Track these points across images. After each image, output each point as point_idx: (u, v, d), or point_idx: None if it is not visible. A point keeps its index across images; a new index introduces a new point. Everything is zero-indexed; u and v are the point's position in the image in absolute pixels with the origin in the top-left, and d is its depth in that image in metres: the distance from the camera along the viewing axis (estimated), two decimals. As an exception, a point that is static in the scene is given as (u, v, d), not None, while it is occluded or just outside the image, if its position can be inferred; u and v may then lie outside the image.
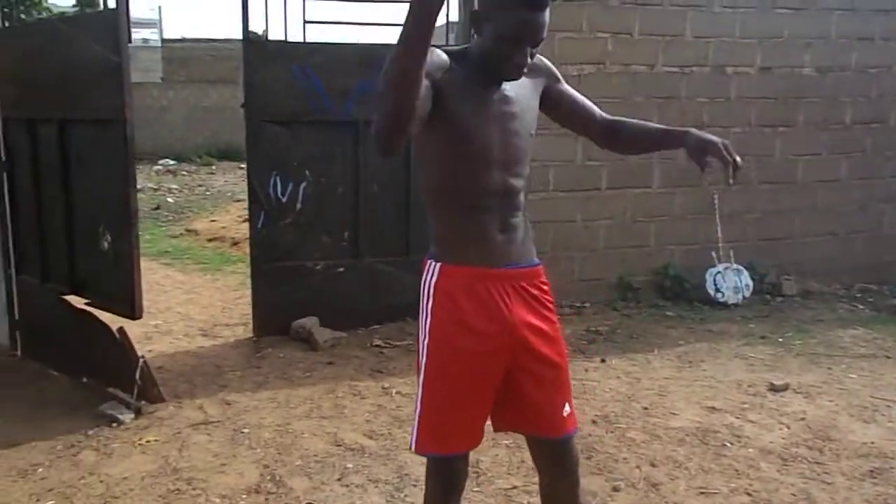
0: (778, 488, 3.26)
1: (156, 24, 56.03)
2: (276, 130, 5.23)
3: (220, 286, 7.14)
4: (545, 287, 2.18)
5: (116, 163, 3.93)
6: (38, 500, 3.16)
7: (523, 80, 2.09)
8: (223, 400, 4.27)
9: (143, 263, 7.90)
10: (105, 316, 4.34)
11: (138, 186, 14.67)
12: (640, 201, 6.28)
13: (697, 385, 4.48)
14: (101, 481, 3.32)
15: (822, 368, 4.78)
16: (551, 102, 2.23)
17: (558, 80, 2.25)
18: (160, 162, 19.98)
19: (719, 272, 6.25)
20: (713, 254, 6.33)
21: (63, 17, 5.06)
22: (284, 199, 5.37)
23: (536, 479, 3.19)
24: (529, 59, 1.99)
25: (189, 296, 6.81)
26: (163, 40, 28.47)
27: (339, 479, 3.35)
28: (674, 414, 4.04)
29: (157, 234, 10.09)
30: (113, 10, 3.78)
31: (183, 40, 26.46)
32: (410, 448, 2.17)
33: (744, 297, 6.24)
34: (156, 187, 15.05)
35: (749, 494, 3.20)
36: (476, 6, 2.01)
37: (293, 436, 3.79)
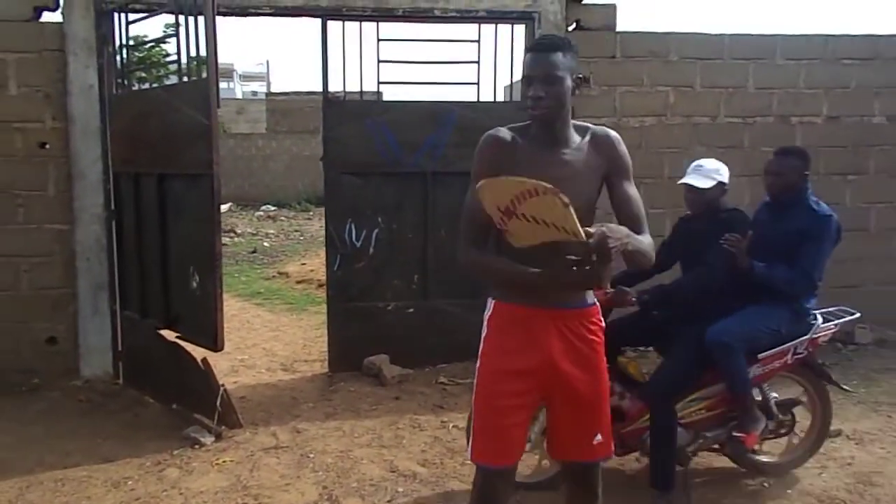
0: (807, 528, 3.38)
1: (264, 77, 58.50)
2: (352, 181, 5.70)
3: (303, 325, 7.63)
4: (593, 326, 2.45)
5: (204, 212, 4.44)
6: (125, 507, 3.61)
7: (586, 147, 2.37)
8: (294, 428, 4.67)
9: (237, 303, 8.60)
10: (195, 350, 4.83)
11: (238, 231, 15.59)
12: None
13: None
14: (181, 494, 3.75)
15: (881, 416, 4.81)
16: (612, 193, 2.42)
17: (626, 174, 2.42)
18: (262, 208, 21.06)
19: (785, 319, 6.28)
20: (779, 300, 6.37)
21: (164, 85, 5.70)
22: (359, 244, 5.81)
23: None
24: (545, 96, 2.26)
25: (275, 333, 7.32)
26: (267, 93, 30.02)
27: (388, 501, 3.67)
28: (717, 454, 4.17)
29: (252, 276, 10.78)
30: (205, 79, 4.33)
31: (285, 93, 27.81)
32: (467, 457, 2.55)
33: (811, 345, 6.23)
34: (254, 232, 15.91)
35: (776, 531, 3.34)
36: None
37: (353, 461, 4.14)
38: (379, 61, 5.63)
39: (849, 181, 6.65)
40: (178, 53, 4.61)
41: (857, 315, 4.04)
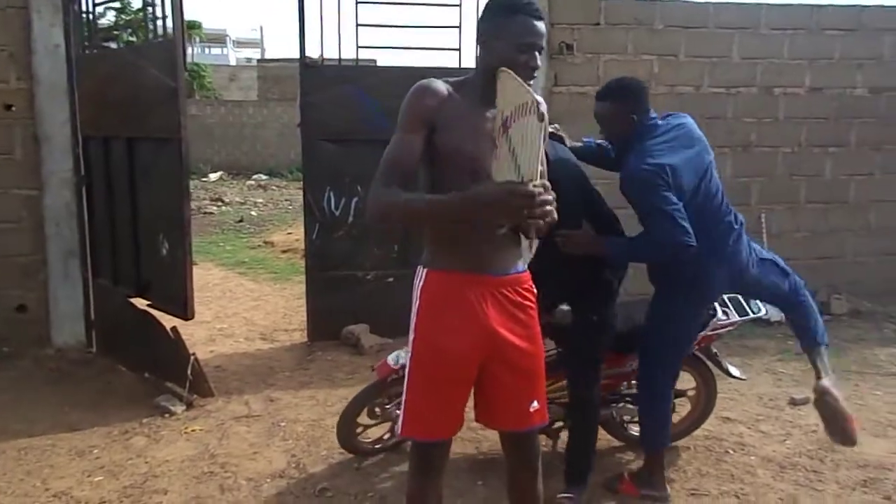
0: (767, 493, 3.40)
1: (258, 43, 57.82)
2: (330, 148, 5.61)
3: (286, 294, 7.57)
4: (528, 293, 2.38)
5: (173, 177, 4.37)
6: (89, 476, 3.57)
7: None
8: (268, 397, 4.64)
9: (220, 272, 8.54)
10: (170, 319, 4.76)
11: (226, 200, 15.44)
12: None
13: (719, 397, 4.54)
14: (146, 462, 3.72)
15: (849, 385, 4.80)
16: None
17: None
18: (254, 177, 20.92)
19: (764, 290, 6.26)
20: (760, 272, 6.35)
21: (130, 45, 5.58)
22: (338, 213, 5.74)
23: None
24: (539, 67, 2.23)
25: (256, 303, 7.26)
26: (258, 60, 29.68)
27: (357, 468, 3.65)
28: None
29: (237, 246, 10.70)
30: (170, 39, 4.22)
31: (276, 60, 27.52)
32: (397, 431, 2.45)
33: (788, 316, 6.23)
34: (242, 201, 15.80)
35: (737, 497, 3.36)
36: (479, 34, 2.28)
37: (324, 430, 4.11)
38: (357, 25, 5.53)
39: (829, 153, 6.63)
40: (144, 12, 4.49)
41: (763, 313, 3.90)
